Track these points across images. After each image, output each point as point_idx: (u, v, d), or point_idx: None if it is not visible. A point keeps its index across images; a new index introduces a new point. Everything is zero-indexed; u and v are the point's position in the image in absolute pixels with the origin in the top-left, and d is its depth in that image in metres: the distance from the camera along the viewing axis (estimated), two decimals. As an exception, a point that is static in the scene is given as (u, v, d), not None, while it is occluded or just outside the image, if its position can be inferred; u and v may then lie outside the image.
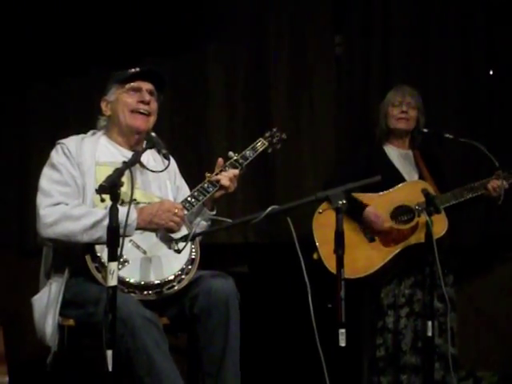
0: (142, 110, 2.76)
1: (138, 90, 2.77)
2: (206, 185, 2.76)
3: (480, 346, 4.08)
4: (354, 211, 3.38)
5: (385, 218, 3.40)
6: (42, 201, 2.58)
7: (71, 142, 2.72)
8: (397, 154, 3.62)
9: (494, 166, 3.37)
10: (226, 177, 2.78)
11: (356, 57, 4.25)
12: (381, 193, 3.45)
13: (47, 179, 2.63)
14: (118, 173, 2.24)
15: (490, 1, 4.23)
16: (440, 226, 3.30)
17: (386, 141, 3.66)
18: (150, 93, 2.80)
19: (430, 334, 2.98)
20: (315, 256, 3.32)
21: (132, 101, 2.76)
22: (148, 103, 2.77)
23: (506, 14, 4.19)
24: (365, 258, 3.34)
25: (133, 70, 2.80)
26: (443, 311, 3.32)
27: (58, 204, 2.56)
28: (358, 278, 3.30)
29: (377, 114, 3.71)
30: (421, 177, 3.55)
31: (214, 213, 2.83)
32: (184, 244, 2.58)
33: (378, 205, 3.43)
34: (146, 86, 2.79)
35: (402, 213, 3.41)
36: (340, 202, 2.38)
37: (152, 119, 2.80)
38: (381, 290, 3.43)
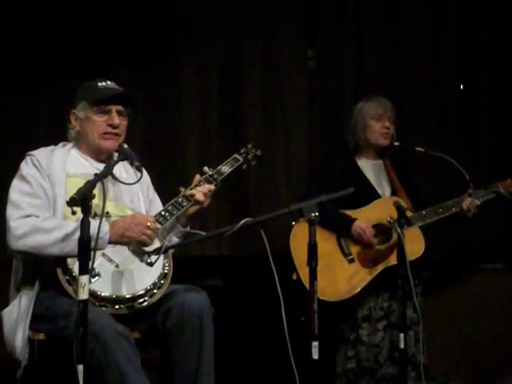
0: (111, 133, 2.73)
1: (107, 112, 2.73)
2: (180, 199, 2.75)
3: (451, 358, 4.11)
4: (342, 226, 3.39)
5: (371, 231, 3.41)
6: (12, 213, 2.54)
7: (41, 154, 2.69)
8: (369, 166, 3.62)
9: (465, 179, 3.41)
10: (200, 192, 2.77)
11: (329, 70, 4.29)
12: (356, 210, 3.45)
13: (17, 191, 2.60)
14: (90, 185, 2.21)
15: (461, 15, 4.30)
16: (418, 245, 3.34)
17: (358, 153, 3.66)
18: (120, 113, 2.76)
19: (402, 346, 2.99)
20: (294, 276, 3.31)
21: (101, 123, 2.72)
22: (117, 126, 2.74)
23: (476, 29, 4.27)
24: (346, 280, 3.34)
25: (102, 84, 2.75)
26: (417, 321, 3.34)
27: (28, 216, 2.53)
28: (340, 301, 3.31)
29: (351, 124, 3.66)
30: (393, 188, 3.57)
31: (187, 230, 2.82)
32: (156, 257, 2.57)
33: None
34: (116, 107, 2.75)
35: (379, 232, 3.42)
36: (313, 215, 2.39)
37: (121, 138, 2.76)
38: (357, 304, 3.43)
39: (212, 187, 2.83)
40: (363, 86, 4.22)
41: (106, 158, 2.78)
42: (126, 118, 2.80)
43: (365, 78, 4.25)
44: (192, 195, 2.76)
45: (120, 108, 2.76)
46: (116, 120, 2.73)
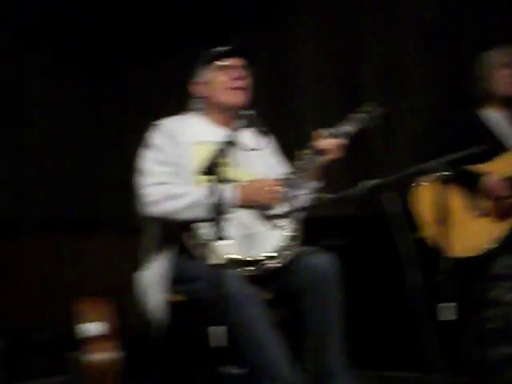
0: (239, 86, 2.75)
1: (231, 67, 2.77)
2: (303, 161, 2.71)
3: None
4: (469, 183, 3.29)
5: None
6: (143, 181, 2.63)
7: (169, 122, 2.76)
8: (497, 118, 3.46)
9: None
10: (328, 143, 2.68)
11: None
12: (487, 163, 3.30)
13: (147, 159, 2.67)
14: (218, 152, 2.26)
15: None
16: None
17: (484, 104, 3.50)
18: (244, 68, 2.78)
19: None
20: (419, 235, 3.24)
21: (227, 79, 2.75)
22: (244, 78, 2.76)
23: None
24: (480, 234, 3.20)
25: (223, 48, 2.79)
26: None
27: (159, 183, 2.61)
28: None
29: (476, 74, 3.48)
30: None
31: (322, 184, 2.77)
32: (284, 220, 2.59)
33: None
34: (239, 62, 2.77)
35: None
36: (444, 173, 2.33)
37: (249, 94, 2.78)
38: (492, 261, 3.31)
39: (342, 141, 2.72)
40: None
41: (233, 121, 2.72)
42: (250, 76, 2.80)
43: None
44: (319, 149, 2.67)
45: (243, 63, 2.78)
46: (242, 72, 2.75)
